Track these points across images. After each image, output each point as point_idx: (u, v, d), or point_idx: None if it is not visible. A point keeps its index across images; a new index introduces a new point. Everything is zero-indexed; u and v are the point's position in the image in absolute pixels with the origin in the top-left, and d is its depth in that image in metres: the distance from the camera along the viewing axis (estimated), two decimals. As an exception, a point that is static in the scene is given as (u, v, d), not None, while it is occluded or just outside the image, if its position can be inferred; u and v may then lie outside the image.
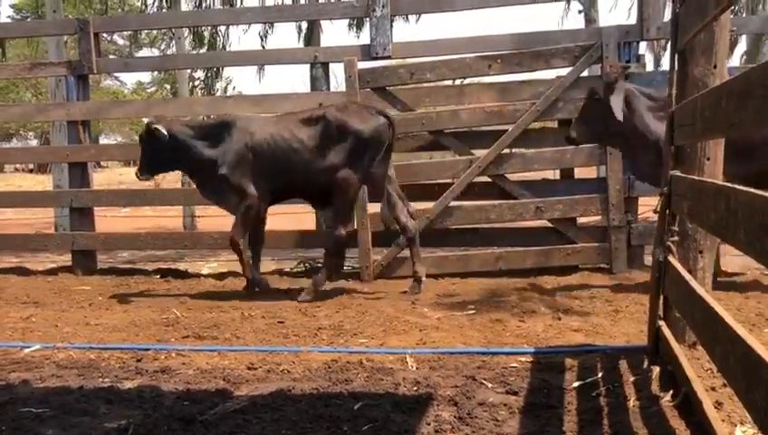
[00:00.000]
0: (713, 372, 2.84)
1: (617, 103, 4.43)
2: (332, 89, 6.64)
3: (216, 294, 5.43)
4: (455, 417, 2.64)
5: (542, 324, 4.11)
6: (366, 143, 4.95)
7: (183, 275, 6.38)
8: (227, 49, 12.89)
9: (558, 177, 7.17)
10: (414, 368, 3.32)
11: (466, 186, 5.72)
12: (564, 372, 3.18)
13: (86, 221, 6.78)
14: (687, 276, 2.58)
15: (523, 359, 3.41)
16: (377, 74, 5.86)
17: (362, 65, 5.91)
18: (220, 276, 6.18)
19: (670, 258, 2.93)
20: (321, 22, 8.77)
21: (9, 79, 19.51)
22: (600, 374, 3.10)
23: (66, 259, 7.01)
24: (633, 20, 6.03)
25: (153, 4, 12.58)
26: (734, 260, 5.57)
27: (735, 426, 2.37)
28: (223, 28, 12.77)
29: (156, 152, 5.14)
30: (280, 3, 11.95)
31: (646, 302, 3.48)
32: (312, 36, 9.19)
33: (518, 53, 5.72)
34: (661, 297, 3.07)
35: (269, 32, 12.82)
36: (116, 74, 30.88)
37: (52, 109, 7.24)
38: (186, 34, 12.80)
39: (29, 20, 24.92)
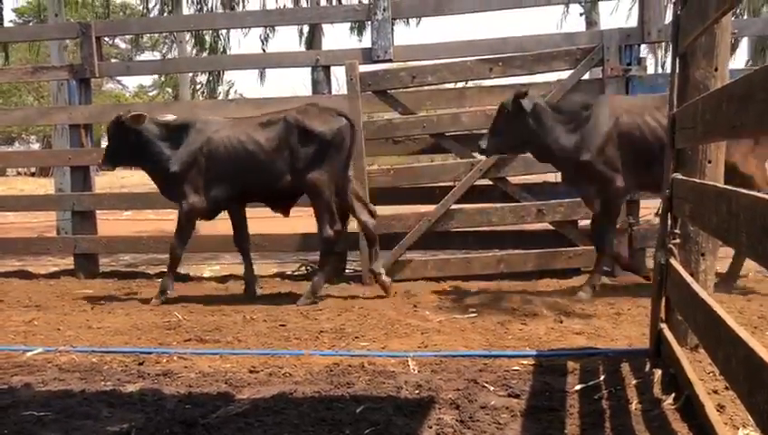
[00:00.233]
0: (715, 375, 2.84)
1: (525, 116, 4.70)
2: (334, 92, 6.64)
3: (217, 297, 5.43)
4: (456, 420, 2.64)
5: (543, 327, 4.11)
6: (328, 145, 4.97)
7: (185, 278, 6.38)
8: (228, 52, 12.91)
9: (559, 179, 7.15)
10: (416, 371, 3.31)
11: (468, 189, 5.72)
12: (566, 375, 3.18)
13: (88, 224, 6.79)
14: (689, 279, 2.58)
15: (524, 362, 3.41)
16: (378, 77, 5.87)
17: (364, 68, 5.92)
18: (222, 279, 6.19)
19: (672, 261, 2.93)
20: (323, 25, 8.77)
21: (11, 83, 19.54)
22: (601, 377, 3.10)
23: (68, 262, 7.01)
24: (633, 22, 6.04)
25: (155, 7, 12.63)
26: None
27: (738, 429, 2.37)
28: (224, 32, 12.80)
29: (120, 145, 5.18)
30: (281, 6, 11.99)
31: (648, 305, 3.48)
32: (313, 39, 9.21)
33: (519, 55, 5.73)
34: (663, 300, 3.07)
35: (270, 35, 12.86)
36: (118, 78, 30.95)
37: (55, 112, 7.25)
38: (187, 38, 12.82)
39: (31, 24, 25.00)
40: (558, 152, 4.80)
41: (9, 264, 7.47)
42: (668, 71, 3.32)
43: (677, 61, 3.08)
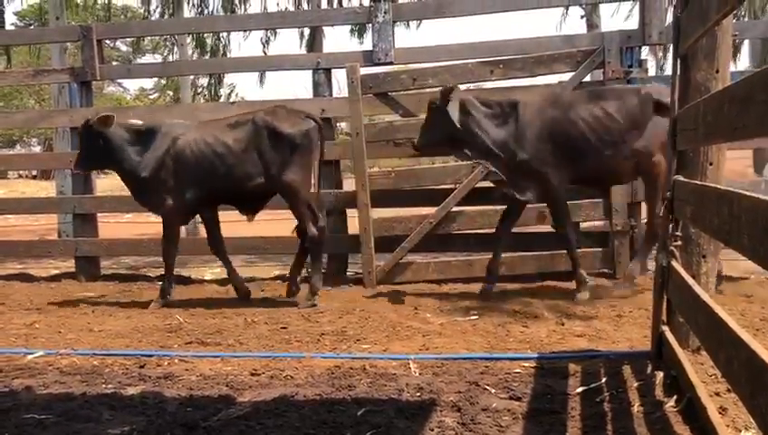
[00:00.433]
0: (717, 377, 2.83)
1: (453, 112, 4.78)
2: (335, 94, 6.64)
3: (218, 300, 5.43)
4: (458, 423, 2.63)
5: (545, 330, 4.11)
6: (296, 147, 4.97)
7: (186, 280, 6.39)
8: (229, 55, 12.92)
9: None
10: (417, 374, 3.31)
11: (469, 191, 5.72)
12: (568, 378, 3.17)
13: (89, 227, 6.79)
14: (691, 281, 2.57)
15: (526, 364, 3.40)
16: (379, 80, 5.87)
17: (364, 71, 5.92)
18: (223, 282, 6.17)
19: (673, 263, 2.92)
20: (324, 28, 8.77)
21: (13, 86, 19.57)
22: (603, 380, 3.09)
23: (69, 265, 7.01)
24: (633, 24, 6.04)
25: (156, 10, 12.64)
26: (738, 265, 5.56)
27: (740, 432, 2.37)
28: (225, 34, 12.80)
29: (91, 149, 5.16)
30: (282, 9, 11.99)
31: (649, 307, 3.48)
32: (314, 42, 9.21)
33: (520, 58, 5.73)
34: (664, 302, 3.07)
35: (271, 38, 12.85)
36: (119, 81, 30.97)
37: (56, 115, 7.27)
38: (188, 41, 12.83)
39: (32, 27, 25.04)
40: (487, 149, 4.87)
41: (11, 266, 7.48)
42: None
43: (678, 63, 3.08)
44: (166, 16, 12.39)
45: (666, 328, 3.07)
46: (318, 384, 3.18)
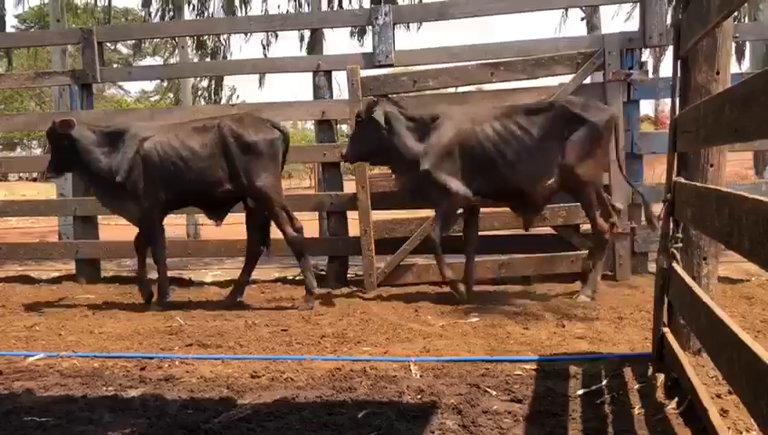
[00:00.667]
0: (718, 379, 2.83)
1: (377, 124, 4.90)
2: (335, 97, 6.65)
3: (219, 302, 5.42)
4: (459, 425, 2.63)
5: (546, 332, 4.10)
6: (261, 154, 5.00)
7: (186, 283, 6.39)
8: (229, 58, 12.92)
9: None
10: (418, 376, 3.31)
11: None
12: (568, 380, 3.17)
13: (90, 230, 6.79)
14: (692, 283, 2.57)
15: (527, 366, 3.40)
16: (379, 82, 5.88)
17: (365, 73, 5.93)
18: (224, 284, 6.18)
19: (674, 265, 2.92)
20: (324, 30, 8.76)
21: (13, 88, 19.59)
22: (604, 382, 3.09)
23: (70, 268, 7.02)
24: (634, 26, 6.04)
25: (156, 13, 12.65)
26: (740, 267, 5.56)
27: (741, 434, 2.36)
28: (225, 37, 12.80)
29: (59, 152, 5.17)
30: (283, 11, 11.99)
31: (650, 309, 3.48)
32: (314, 45, 9.19)
33: (520, 60, 5.73)
34: (665, 304, 3.06)
35: (272, 40, 12.85)
36: (119, 83, 30.99)
37: (57, 118, 7.26)
38: (189, 43, 12.83)
39: (33, 30, 25.09)
40: (406, 161, 4.96)
41: (11, 269, 7.49)
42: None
43: (679, 64, 3.08)
44: (166, 19, 12.39)
45: (667, 330, 3.07)
46: (319, 386, 3.18)
